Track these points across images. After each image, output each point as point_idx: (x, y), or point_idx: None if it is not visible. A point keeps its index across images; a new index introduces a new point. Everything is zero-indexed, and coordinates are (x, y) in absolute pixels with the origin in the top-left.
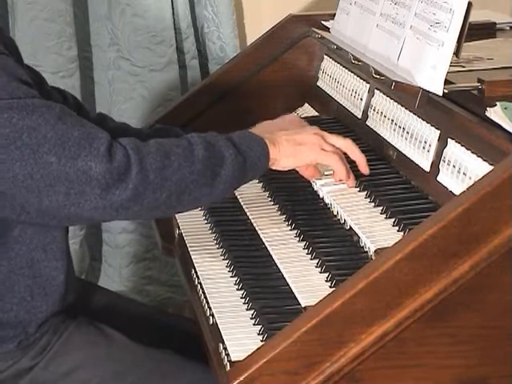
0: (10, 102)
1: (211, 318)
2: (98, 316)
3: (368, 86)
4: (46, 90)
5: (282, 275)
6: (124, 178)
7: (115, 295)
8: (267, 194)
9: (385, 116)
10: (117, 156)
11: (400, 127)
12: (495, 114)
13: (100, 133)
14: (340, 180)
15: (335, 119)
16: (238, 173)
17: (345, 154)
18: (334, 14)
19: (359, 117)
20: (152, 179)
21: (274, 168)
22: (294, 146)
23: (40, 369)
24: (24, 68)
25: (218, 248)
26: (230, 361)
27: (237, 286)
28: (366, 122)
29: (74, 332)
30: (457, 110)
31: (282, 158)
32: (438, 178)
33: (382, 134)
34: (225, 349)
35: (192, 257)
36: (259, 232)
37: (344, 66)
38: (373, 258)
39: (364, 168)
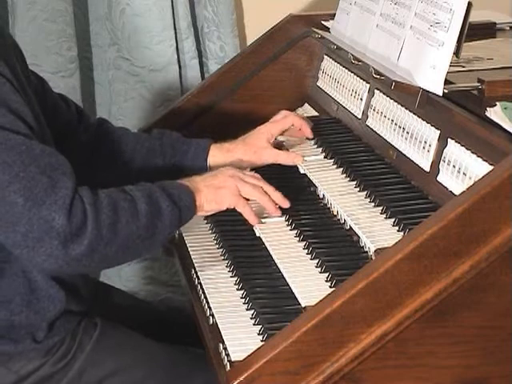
0: None
1: (211, 318)
2: (117, 317)
3: (368, 86)
4: (50, 97)
5: (282, 275)
6: (80, 234)
7: (130, 296)
8: None
9: (385, 116)
10: (77, 210)
11: (400, 127)
12: (495, 114)
13: (68, 181)
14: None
15: (335, 119)
16: (174, 223)
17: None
18: (334, 14)
19: (359, 117)
20: (105, 235)
21: (198, 214)
22: (214, 190)
23: (73, 378)
24: (23, 91)
25: (217, 248)
26: (230, 361)
27: (237, 286)
28: (366, 122)
29: (101, 338)
30: (457, 110)
31: (205, 204)
32: (438, 178)
33: (381, 134)
34: (225, 349)
35: (192, 257)
36: (259, 232)
37: (344, 66)
38: (373, 258)
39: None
